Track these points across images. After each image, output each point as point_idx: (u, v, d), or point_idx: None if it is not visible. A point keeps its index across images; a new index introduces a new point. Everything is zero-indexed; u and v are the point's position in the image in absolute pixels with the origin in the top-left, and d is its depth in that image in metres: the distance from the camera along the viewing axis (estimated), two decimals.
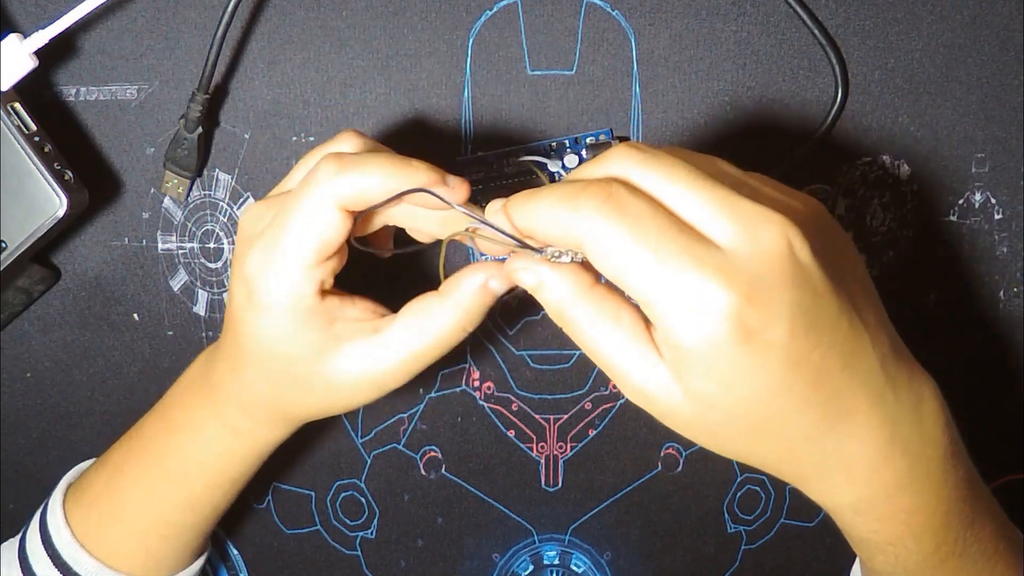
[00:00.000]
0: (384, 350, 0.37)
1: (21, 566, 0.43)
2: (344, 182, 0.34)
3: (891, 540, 0.34)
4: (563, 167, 0.47)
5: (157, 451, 0.43)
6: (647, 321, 0.31)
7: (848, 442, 0.31)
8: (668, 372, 0.30)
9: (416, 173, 0.35)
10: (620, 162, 0.30)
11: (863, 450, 0.31)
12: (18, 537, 0.45)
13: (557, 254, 0.33)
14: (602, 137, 0.47)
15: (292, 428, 0.42)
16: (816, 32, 0.45)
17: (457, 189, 0.35)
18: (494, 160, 0.47)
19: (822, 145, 0.47)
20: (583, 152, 0.47)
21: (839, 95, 0.46)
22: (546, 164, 0.47)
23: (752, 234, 0.28)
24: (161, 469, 0.42)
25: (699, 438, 0.32)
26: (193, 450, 0.42)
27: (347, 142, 0.37)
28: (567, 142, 0.47)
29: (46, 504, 0.45)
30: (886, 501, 0.32)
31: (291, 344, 0.37)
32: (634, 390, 0.32)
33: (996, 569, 0.35)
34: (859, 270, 0.32)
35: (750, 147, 0.47)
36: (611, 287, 0.32)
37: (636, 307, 0.31)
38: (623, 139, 0.47)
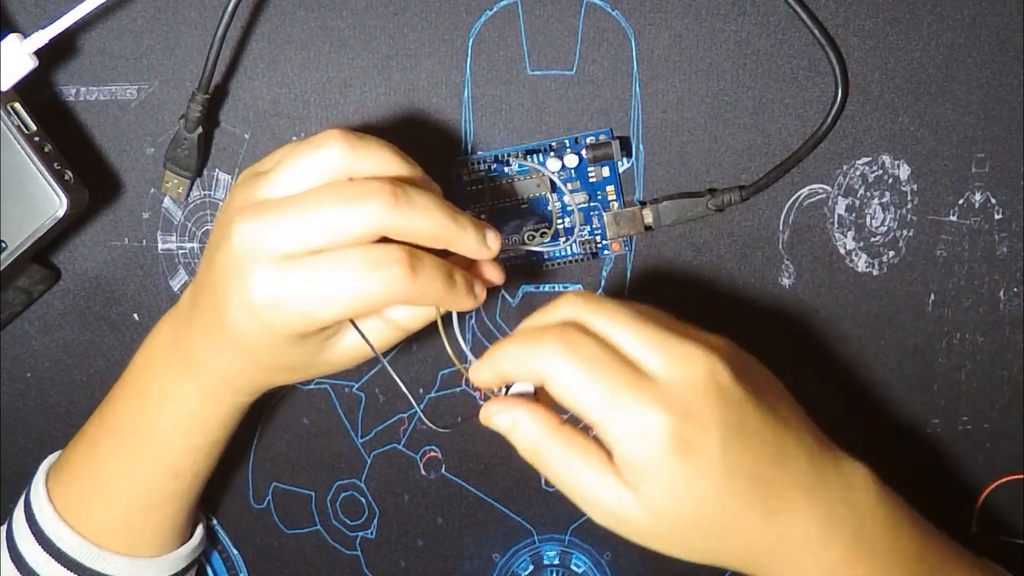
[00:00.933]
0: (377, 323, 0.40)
1: (8, 546, 0.43)
2: (394, 220, 0.35)
3: None
4: (563, 167, 0.47)
5: (132, 421, 0.42)
6: (607, 452, 0.35)
7: (790, 530, 0.36)
8: (630, 493, 0.35)
9: (464, 232, 0.37)
10: (570, 308, 0.36)
11: (805, 534, 0.36)
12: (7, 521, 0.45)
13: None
14: (602, 137, 0.47)
15: (264, 391, 0.42)
16: (816, 32, 0.45)
17: (493, 246, 0.38)
18: (494, 160, 0.47)
19: (822, 145, 0.47)
20: (583, 152, 0.47)
21: (839, 95, 0.46)
22: (546, 164, 0.47)
23: (681, 365, 0.34)
24: (139, 439, 0.42)
25: (668, 549, 0.37)
26: (172, 418, 0.42)
27: (335, 145, 0.36)
28: (567, 142, 0.47)
29: (30, 484, 0.45)
30: (811, 552, 0.36)
31: (285, 345, 0.38)
32: (604, 514, 0.36)
33: None
34: (777, 386, 0.38)
35: (750, 147, 0.47)
36: (573, 425, 0.37)
37: (596, 440, 0.36)
38: (623, 139, 0.47)
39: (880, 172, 0.48)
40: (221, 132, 0.48)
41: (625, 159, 0.47)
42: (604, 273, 0.49)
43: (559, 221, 0.47)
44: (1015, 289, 0.49)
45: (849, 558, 0.36)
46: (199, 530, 0.48)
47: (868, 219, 0.48)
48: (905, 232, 0.48)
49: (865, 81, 0.47)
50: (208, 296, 0.38)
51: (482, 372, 0.38)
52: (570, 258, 0.48)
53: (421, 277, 0.35)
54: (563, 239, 0.48)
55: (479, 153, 0.47)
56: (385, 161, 0.37)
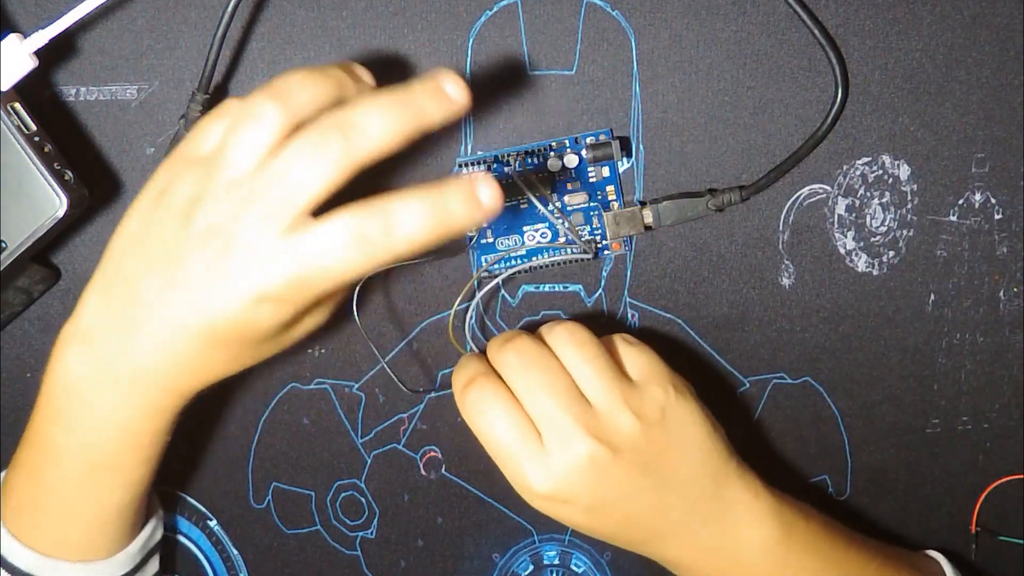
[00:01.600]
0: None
1: None
2: (360, 151, 0.34)
3: None
4: (563, 167, 0.47)
5: (73, 450, 0.41)
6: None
7: (665, 555, 0.45)
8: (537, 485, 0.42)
9: (421, 96, 0.35)
10: (502, 356, 0.43)
11: (679, 559, 0.45)
12: None
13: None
14: (602, 137, 0.47)
15: (207, 387, 0.40)
16: (816, 32, 0.45)
17: (454, 93, 0.35)
18: (494, 160, 0.47)
19: (822, 145, 0.47)
20: (583, 152, 0.47)
21: (839, 95, 0.46)
22: (546, 164, 0.47)
23: (564, 449, 0.41)
24: (85, 465, 0.41)
25: (558, 517, 0.43)
26: (117, 439, 0.40)
27: (268, 104, 0.35)
28: (567, 142, 0.47)
29: None
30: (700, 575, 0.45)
31: (274, 332, 0.38)
32: (516, 482, 0.43)
33: None
34: (689, 442, 0.43)
35: (750, 147, 0.47)
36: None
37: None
38: (623, 139, 0.47)
39: (880, 172, 0.48)
40: None
41: (625, 159, 0.47)
42: (604, 273, 0.49)
43: (558, 222, 0.47)
44: (1015, 289, 0.49)
45: None
46: (152, 519, 0.47)
47: (868, 219, 0.48)
48: (905, 232, 0.48)
49: (865, 81, 0.47)
50: (167, 296, 0.36)
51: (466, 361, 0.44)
52: (570, 258, 0.48)
53: (361, 121, 0.34)
54: (563, 239, 0.48)
55: (479, 153, 0.47)
56: (312, 89, 0.36)
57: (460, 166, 0.47)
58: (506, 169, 0.46)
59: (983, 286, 0.49)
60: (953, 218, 0.48)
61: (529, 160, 0.47)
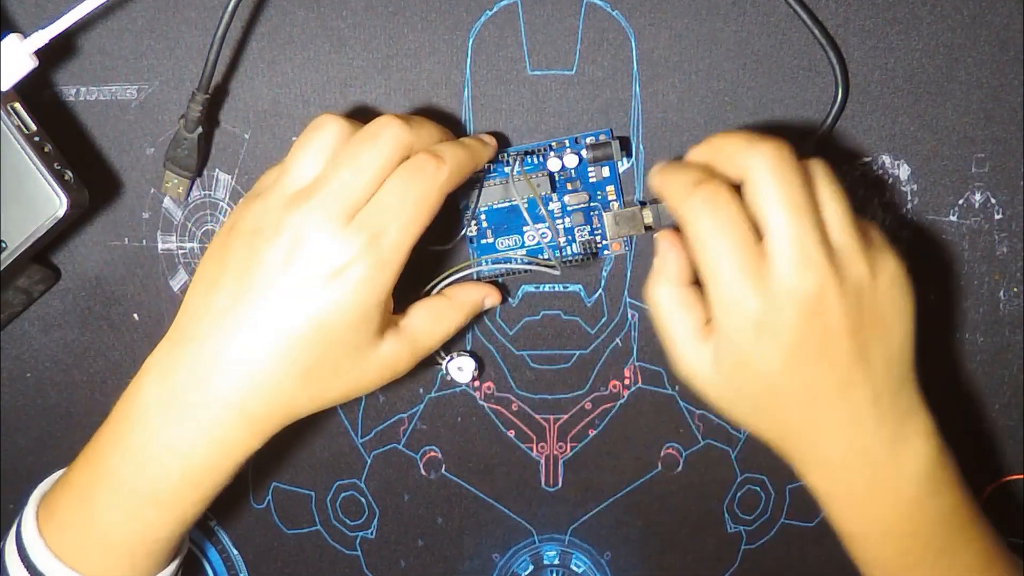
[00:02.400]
0: (406, 341, 0.43)
1: None
2: (410, 134, 0.40)
3: (857, 535, 0.42)
4: (563, 167, 0.47)
5: (131, 479, 0.40)
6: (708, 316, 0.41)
7: (823, 443, 0.41)
8: (708, 353, 0.41)
9: (485, 150, 0.44)
10: (760, 158, 0.38)
11: (834, 453, 0.41)
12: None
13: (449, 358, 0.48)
14: (602, 137, 0.47)
15: (281, 427, 0.41)
16: (816, 32, 0.46)
17: (490, 141, 0.45)
18: (494, 160, 0.47)
19: (822, 145, 0.47)
20: (583, 152, 0.47)
21: (839, 95, 0.46)
22: (545, 164, 0.47)
23: (799, 273, 0.38)
24: (140, 497, 0.40)
25: (723, 409, 0.42)
26: (179, 475, 0.40)
27: (333, 126, 0.40)
28: (567, 142, 0.47)
29: (20, 516, 0.43)
30: (848, 499, 0.41)
31: (358, 327, 0.40)
32: (681, 364, 0.42)
33: None
34: (894, 331, 0.40)
35: None
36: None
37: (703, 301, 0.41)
38: (623, 139, 0.47)
39: (880, 172, 0.48)
40: (221, 132, 0.48)
41: (625, 159, 0.47)
42: (604, 273, 0.49)
43: (558, 222, 0.47)
44: (1015, 289, 0.49)
45: (867, 492, 0.41)
46: (186, 542, 0.47)
47: (868, 219, 0.48)
48: (905, 232, 0.48)
49: (865, 81, 0.47)
50: (240, 307, 0.39)
51: (653, 178, 0.42)
52: (570, 258, 0.48)
53: (447, 156, 0.40)
54: (562, 240, 0.48)
55: None
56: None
57: None
58: (506, 169, 0.46)
59: (983, 286, 0.49)
60: (953, 218, 0.48)
61: (529, 160, 0.47)
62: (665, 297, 0.42)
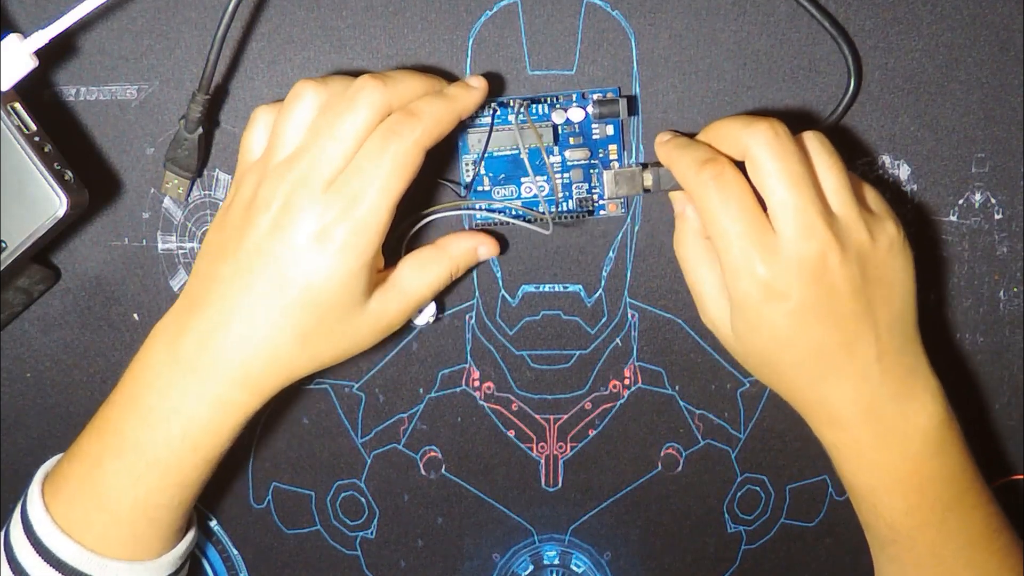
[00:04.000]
0: (394, 294, 0.44)
1: (7, 557, 0.43)
2: (388, 91, 0.40)
3: (867, 489, 0.43)
4: (567, 120, 0.46)
5: (137, 441, 0.42)
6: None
7: (831, 399, 0.42)
8: (724, 313, 0.43)
9: (470, 96, 0.43)
10: (758, 138, 0.40)
11: (842, 408, 0.42)
12: (1, 532, 0.45)
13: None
14: (609, 95, 0.47)
15: (280, 389, 0.43)
16: (826, 24, 0.45)
17: (477, 84, 0.44)
18: (499, 104, 0.46)
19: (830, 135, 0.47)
20: (588, 108, 0.46)
21: (851, 86, 0.46)
22: (550, 115, 0.46)
23: (802, 240, 0.39)
24: (145, 458, 0.42)
25: (741, 361, 0.45)
26: (180, 435, 0.42)
27: (310, 95, 0.41)
28: (574, 95, 0.47)
29: (25, 495, 0.44)
30: (856, 449, 0.43)
31: (346, 290, 0.41)
32: (705, 317, 0.45)
33: (988, 562, 0.44)
34: (896, 292, 0.42)
35: None
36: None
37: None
38: (630, 99, 0.47)
39: (880, 172, 0.48)
40: (221, 132, 0.48)
41: (630, 148, 0.48)
42: (604, 273, 0.49)
43: (558, 177, 0.47)
44: (1015, 289, 0.49)
45: (876, 445, 0.42)
46: (193, 525, 0.48)
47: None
48: (905, 232, 0.48)
49: (865, 81, 0.47)
50: (240, 275, 0.41)
51: (660, 148, 0.45)
52: (565, 214, 0.47)
53: (424, 113, 0.40)
54: (560, 194, 0.47)
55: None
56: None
57: None
58: (510, 118, 0.46)
59: (983, 286, 0.49)
60: (953, 218, 0.48)
61: (534, 109, 0.46)
62: (691, 249, 0.45)
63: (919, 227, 0.48)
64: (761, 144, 0.40)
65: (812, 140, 0.42)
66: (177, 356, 0.42)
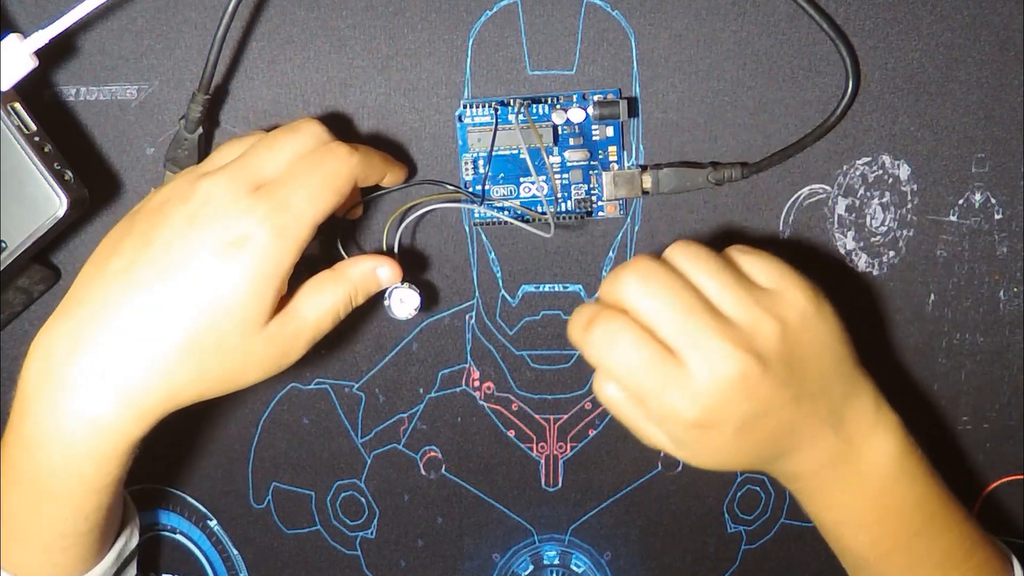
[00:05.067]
0: (289, 319, 0.40)
1: None
2: (360, 165, 0.40)
3: (831, 524, 0.44)
4: (567, 121, 0.46)
5: (24, 472, 0.39)
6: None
7: (787, 467, 0.42)
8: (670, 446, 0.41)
9: (397, 167, 0.44)
10: (622, 285, 0.39)
11: (798, 468, 0.42)
12: None
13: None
14: (610, 96, 0.47)
15: (166, 413, 0.39)
16: (824, 26, 0.45)
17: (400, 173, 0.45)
18: (499, 104, 0.46)
19: (823, 145, 0.47)
20: (589, 109, 0.46)
21: (850, 86, 0.46)
22: (550, 116, 0.46)
23: (710, 368, 0.38)
24: (37, 489, 0.39)
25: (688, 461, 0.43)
26: (63, 466, 0.38)
27: (311, 129, 0.41)
28: (574, 96, 0.47)
29: None
30: (821, 494, 0.43)
31: (249, 304, 0.38)
32: (649, 443, 0.42)
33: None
34: (824, 357, 0.41)
35: (750, 147, 0.47)
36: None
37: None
38: (630, 100, 0.47)
39: (880, 172, 0.48)
40: (221, 132, 0.48)
41: (631, 149, 0.48)
42: (604, 274, 0.49)
43: (557, 178, 0.47)
44: (1015, 289, 0.49)
45: (839, 487, 0.43)
46: (126, 529, 0.45)
47: (868, 219, 0.48)
48: (905, 232, 0.48)
49: (865, 81, 0.47)
50: (127, 272, 0.38)
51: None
52: (564, 215, 0.48)
53: (361, 150, 0.41)
54: (559, 195, 0.47)
55: (485, 97, 0.47)
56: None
57: (464, 107, 0.47)
58: (510, 117, 0.46)
59: (983, 286, 0.49)
60: (953, 218, 0.48)
61: (534, 108, 0.46)
62: (613, 393, 0.41)
63: (919, 227, 0.48)
64: (631, 290, 0.39)
65: (677, 253, 0.40)
66: (48, 371, 0.37)
